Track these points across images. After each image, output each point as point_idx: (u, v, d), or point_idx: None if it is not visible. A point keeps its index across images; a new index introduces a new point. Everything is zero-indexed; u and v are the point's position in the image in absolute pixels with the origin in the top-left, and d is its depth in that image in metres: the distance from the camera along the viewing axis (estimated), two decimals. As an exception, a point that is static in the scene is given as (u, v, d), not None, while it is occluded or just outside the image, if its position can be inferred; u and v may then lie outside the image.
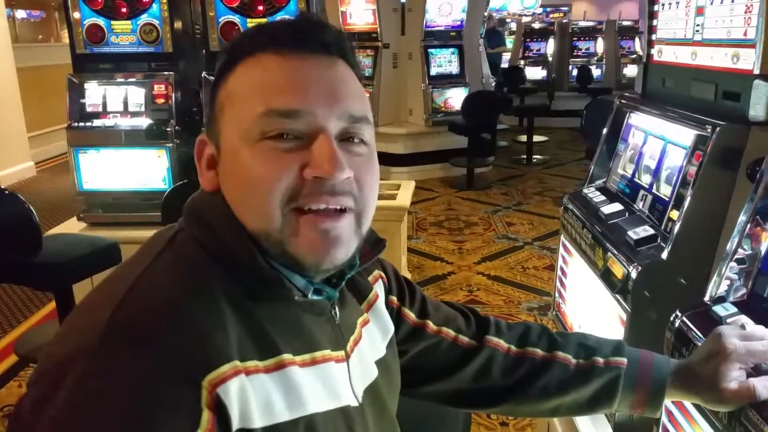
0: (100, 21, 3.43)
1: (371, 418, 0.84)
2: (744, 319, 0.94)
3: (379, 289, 0.98)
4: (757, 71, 1.23)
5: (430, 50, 6.93)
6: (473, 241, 4.91)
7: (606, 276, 1.41)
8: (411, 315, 1.02)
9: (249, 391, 0.65)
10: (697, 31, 1.47)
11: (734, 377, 0.85)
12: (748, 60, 1.26)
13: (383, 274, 1.01)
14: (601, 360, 1.00)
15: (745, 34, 1.28)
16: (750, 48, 1.25)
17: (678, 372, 0.95)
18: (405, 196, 3.55)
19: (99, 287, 0.73)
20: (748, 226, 1.05)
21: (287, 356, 0.71)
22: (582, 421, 1.66)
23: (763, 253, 1.04)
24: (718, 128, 1.26)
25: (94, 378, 0.60)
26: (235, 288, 0.71)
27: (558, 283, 1.91)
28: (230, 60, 0.77)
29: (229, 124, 0.75)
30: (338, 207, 0.72)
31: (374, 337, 0.91)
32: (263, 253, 0.73)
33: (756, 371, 0.85)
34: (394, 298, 1.02)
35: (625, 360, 0.99)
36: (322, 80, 0.74)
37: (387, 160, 6.81)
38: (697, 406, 0.97)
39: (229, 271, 0.72)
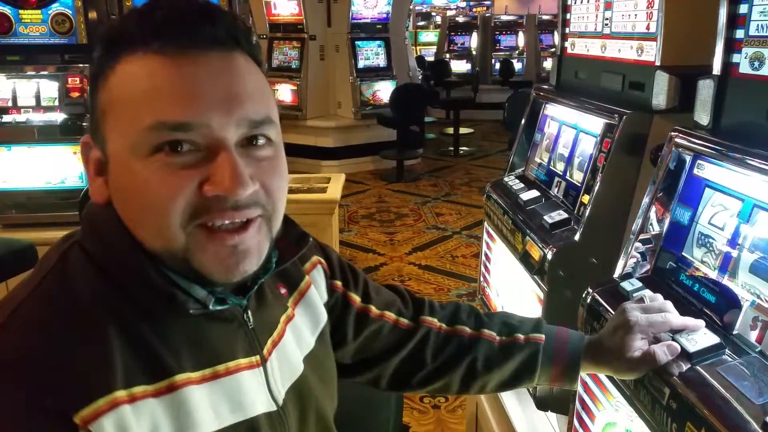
0: (6, 10, 3.23)
1: (294, 418, 0.82)
2: (646, 293, 1.01)
3: (317, 275, 0.96)
4: (658, 63, 1.31)
5: (357, 42, 6.94)
6: (404, 232, 4.97)
7: (525, 259, 1.47)
8: (356, 299, 1.01)
9: (131, 423, 0.63)
10: (606, 24, 1.55)
11: (638, 347, 0.92)
12: (651, 52, 1.34)
13: (322, 260, 0.99)
14: (521, 336, 1.05)
15: (647, 28, 1.36)
16: (652, 41, 1.34)
17: (590, 347, 1.01)
18: (335, 189, 3.55)
19: None
20: (652, 207, 1.12)
21: (181, 376, 0.69)
22: (508, 400, 1.74)
23: (664, 231, 1.11)
24: (624, 117, 1.34)
25: None
26: (125, 308, 0.68)
27: (483, 268, 1.97)
28: (109, 55, 0.69)
29: (114, 133, 0.68)
30: (244, 220, 0.69)
31: (301, 331, 0.89)
32: (161, 264, 0.69)
33: (656, 340, 0.93)
34: (339, 283, 1.00)
35: (543, 336, 1.05)
36: (217, 84, 0.67)
37: (317, 153, 6.80)
38: (608, 376, 1.04)
39: (121, 289, 0.68)
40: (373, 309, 1.02)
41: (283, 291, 0.89)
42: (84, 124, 3.23)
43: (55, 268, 0.70)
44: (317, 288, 0.95)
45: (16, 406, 0.59)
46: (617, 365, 0.95)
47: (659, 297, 0.99)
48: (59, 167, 3.26)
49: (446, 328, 1.06)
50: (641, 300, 0.98)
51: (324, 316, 0.94)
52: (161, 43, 0.66)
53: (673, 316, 0.94)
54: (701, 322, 0.93)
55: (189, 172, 0.66)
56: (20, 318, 0.65)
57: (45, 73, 3.30)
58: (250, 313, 0.79)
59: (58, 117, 3.24)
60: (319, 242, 1.02)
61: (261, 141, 0.71)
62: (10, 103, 3.28)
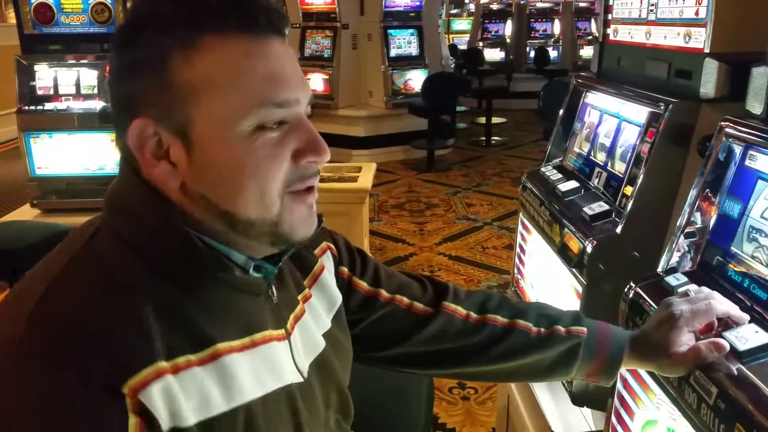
0: (49, 0, 3.31)
1: (318, 390, 0.86)
2: (692, 287, 0.98)
3: (326, 261, 0.99)
4: (707, 50, 1.26)
5: (389, 31, 6.90)
6: (434, 223, 4.95)
7: (563, 251, 1.44)
8: (363, 284, 1.03)
9: (177, 390, 0.65)
10: (651, 10, 1.50)
11: (684, 342, 0.90)
12: (699, 39, 1.30)
13: (332, 246, 1.02)
14: (562, 329, 1.03)
15: (696, 14, 1.31)
16: (701, 27, 1.29)
17: (632, 342, 0.99)
18: (366, 178, 3.55)
19: (17, 289, 0.72)
20: (698, 200, 1.09)
21: (223, 344, 0.71)
22: (541, 394, 1.71)
23: (711, 225, 1.08)
24: (670, 105, 1.29)
25: (11, 391, 0.60)
26: (160, 282, 0.69)
27: (517, 260, 1.94)
28: (185, 31, 0.69)
29: (209, 114, 0.69)
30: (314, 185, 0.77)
31: (318, 310, 0.92)
32: (200, 232, 0.72)
33: (707, 329, 0.90)
34: (345, 269, 1.02)
35: (585, 329, 1.02)
36: (294, 66, 0.75)
37: (348, 142, 6.80)
38: (650, 372, 1.01)
39: (154, 264, 0.70)
40: (383, 293, 1.03)
41: (298, 275, 0.92)
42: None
43: (85, 247, 0.72)
44: (328, 271, 0.98)
45: (64, 380, 0.60)
46: (661, 361, 0.92)
47: (705, 289, 0.96)
48: (98, 154, 3.35)
49: (476, 317, 1.05)
50: (686, 294, 0.95)
51: (338, 298, 0.97)
52: (245, 26, 0.71)
53: (717, 302, 0.91)
54: (746, 316, 0.90)
55: (284, 146, 0.73)
56: (57, 293, 0.67)
57: (85, 61, 3.38)
58: (274, 288, 0.82)
59: (97, 105, 3.32)
60: (327, 228, 1.03)
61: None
62: (51, 92, 3.36)
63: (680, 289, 1.00)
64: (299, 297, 0.89)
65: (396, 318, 1.03)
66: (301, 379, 0.82)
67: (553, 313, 1.06)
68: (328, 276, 0.97)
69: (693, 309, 0.91)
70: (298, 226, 0.76)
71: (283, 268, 0.86)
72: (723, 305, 0.91)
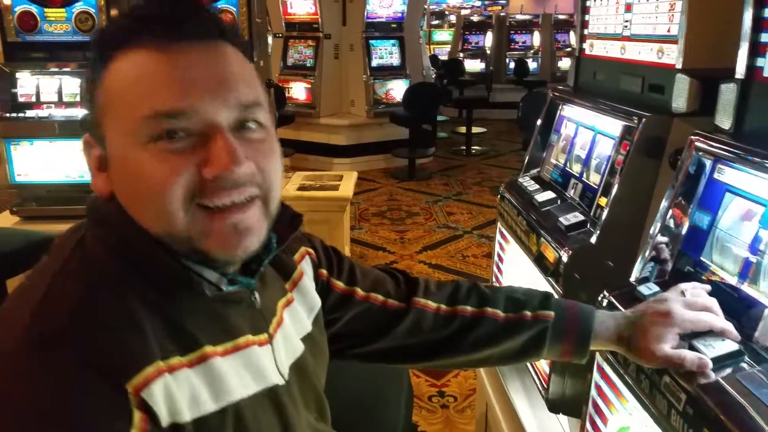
0: (33, 8, 3.31)
1: (297, 392, 0.88)
2: (695, 284, 0.99)
3: (306, 266, 1.00)
4: (679, 66, 1.30)
5: (371, 41, 6.95)
6: (414, 231, 4.97)
7: (539, 260, 1.47)
8: (339, 284, 1.05)
9: (174, 388, 0.67)
10: (626, 26, 1.54)
11: (669, 340, 0.90)
12: (672, 55, 1.33)
13: (310, 250, 1.03)
14: (529, 314, 1.04)
15: (669, 31, 1.35)
16: (673, 44, 1.33)
17: (615, 324, 0.99)
18: (347, 186, 3.56)
19: (15, 292, 0.73)
20: (670, 211, 1.12)
21: (208, 348, 0.73)
22: (518, 401, 1.73)
23: (682, 235, 1.11)
24: (643, 119, 1.33)
25: (9, 383, 0.60)
26: (145, 286, 0.71)
27: (495, 269, 1.97)
28: (102, 53, 0.73)
29: (113, 127, 0.72)
30: (245, 198, 0.72)
31: (298, 315, 0.94)
32: (171, 250, 0.72)
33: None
34: (324, 271, 1.04)
35: (552, 313, 1.04)
36: (207, 71, 0.71)
37: (329, 151, 6.82)
38: (623, 379, 1.03)
39: (138, 270, 0.72)
40: (359, 291, 1.05)
41: (280, 280, 0.94)
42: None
43: (74, 253, 0.73)
44: (307, 276, 1.00)
45: (69, 378, 0.61)
46: (639, 351, 0.93)
47: (704, 293, 0.96)
48: (79, 161, 3.33)
49: (446, 308, 1.07)
50: (681, 293, 0.96)
51: (317, 302, 0.99)
52: (151, 38, 0.70)
53: (715, 318, 0.91)
54: (737, 335, 0.90)
55: (186, 156, 0.69)
56: (56, 295, 0.68)
57: (67, 69, 3.36)
58: (257, 294, 0.83)
59: (79, 113, 3.30)
60: (304, 233, 1.05)
61: (252, 125, 0.74)
62: (33, 99, 3.34)
63: (680, 285, 0.99)
64: (281, 302, 0.91)
65: (371, 315, 1.05)
66: (283, 381, 0.84)
67: (521, 297, 1.07)
68: (308, 280, 0.99)
69: (692, 318, 0.91)
70: (215, 245, 0.71)
71: (266, 273, 0.88)
72: (721, 322, 0.90)
